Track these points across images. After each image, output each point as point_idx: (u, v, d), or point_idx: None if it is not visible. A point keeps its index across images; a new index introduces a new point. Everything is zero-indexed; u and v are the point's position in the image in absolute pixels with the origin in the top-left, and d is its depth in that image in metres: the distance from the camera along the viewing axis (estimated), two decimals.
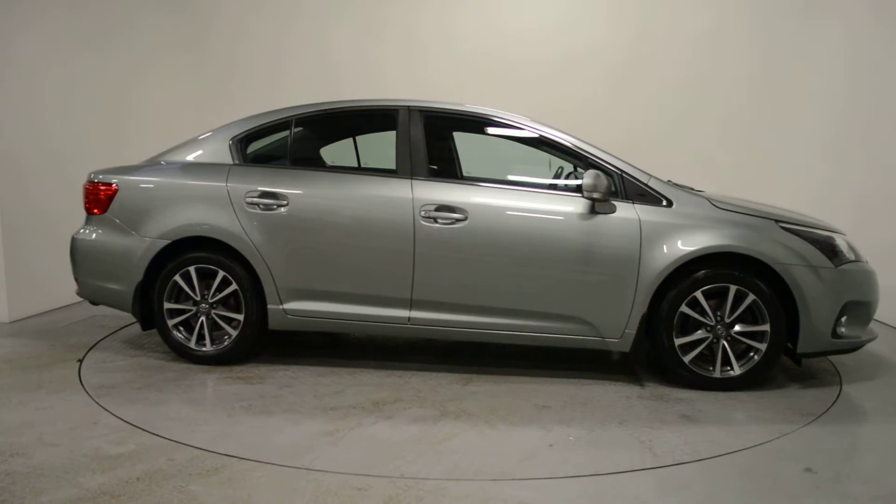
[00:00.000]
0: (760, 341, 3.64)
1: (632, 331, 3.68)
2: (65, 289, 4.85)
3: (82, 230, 4.06)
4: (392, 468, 2.70)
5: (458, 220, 3.70)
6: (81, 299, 4.42)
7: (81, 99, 5.69)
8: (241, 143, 4.02)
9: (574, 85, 6.71)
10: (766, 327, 3.62)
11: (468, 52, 6.78)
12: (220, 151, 4.01)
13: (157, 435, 2.96)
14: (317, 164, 4.05)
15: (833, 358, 4.31)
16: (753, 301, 3.60)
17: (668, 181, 4.10)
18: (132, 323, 4.73)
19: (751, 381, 3.69)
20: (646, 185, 3.74)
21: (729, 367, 3.68)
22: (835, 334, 3.69)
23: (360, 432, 3.05)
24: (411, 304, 3.80)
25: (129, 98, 6.27)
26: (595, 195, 3.60)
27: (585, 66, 6.73)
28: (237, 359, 3.96)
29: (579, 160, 3.85)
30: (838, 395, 3.70)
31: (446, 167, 4.03)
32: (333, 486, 2.53)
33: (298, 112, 4.05)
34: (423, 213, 3.71)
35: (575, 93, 6.68)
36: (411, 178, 3.81)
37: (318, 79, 6.76)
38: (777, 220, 3.70)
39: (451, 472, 2.67)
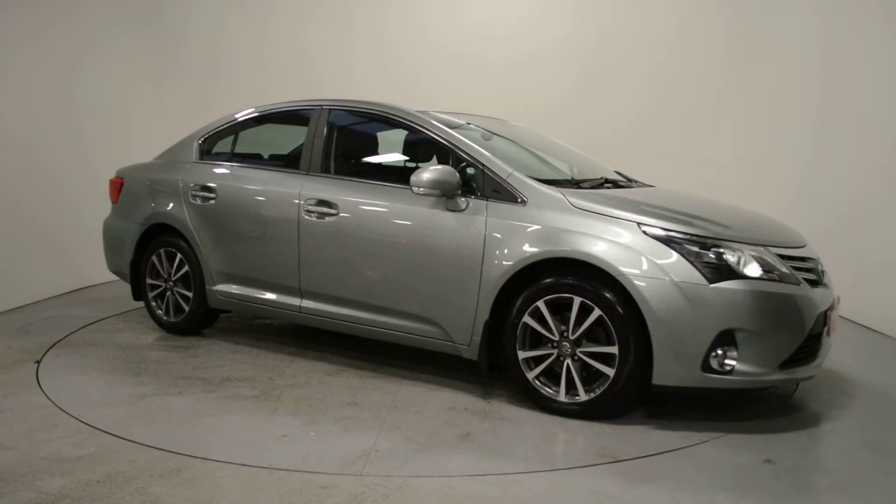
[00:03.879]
0: (610, 365, 3.10)
1: (479, 338, 3.41)
2: (19, 289, 5.19)
3: (108, 216, 5.03)
4: (129, 431, 2.98)
5: (329, 215, 3.81)
6: (39, 298, 5.33)
7: (65, 108, 5.95)
8: (204, 142, 4.61)
9: (543, 81, 6.77)
10: (614, 349, 3.06)
11: (438, 50, 6.99)
12: (191, 150, 4.64)
13: (117, 436, 2.93)
14: (253, 160, 4.44)
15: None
16: (600, 317, 3.08)
17: (621, 175, 4.02)
18: (89, 323, 4.82)
19: (602, 410, 3.15)
20: (503, 180, 3.41)
21: (577, 392, 3.19)
22: (708, 368, 2.97)
23: (162, 400, 3.37)
24: (301, 294, 4.00)
25: (113, 102, 6.50)
26: (430, 191, 3.41)
27: (554, 63, 6.80)
28: (190, 330, 4.54)
29: (448, 154, 3.65)
30: (695, 443, 2.98)
31: (341, 162, 4.09)
32: (298, 485, 2.52)
33: (246, 114, 4.49)
34: (305, 206, 3.89)
35: (545, 89, 6.75)
36: (306, 174, 4.00)
37: (294, 77, 7.11)
38: (640, 223, 3.10)
39: (160, 441, 2.88)
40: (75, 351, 4.19)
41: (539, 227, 3.24)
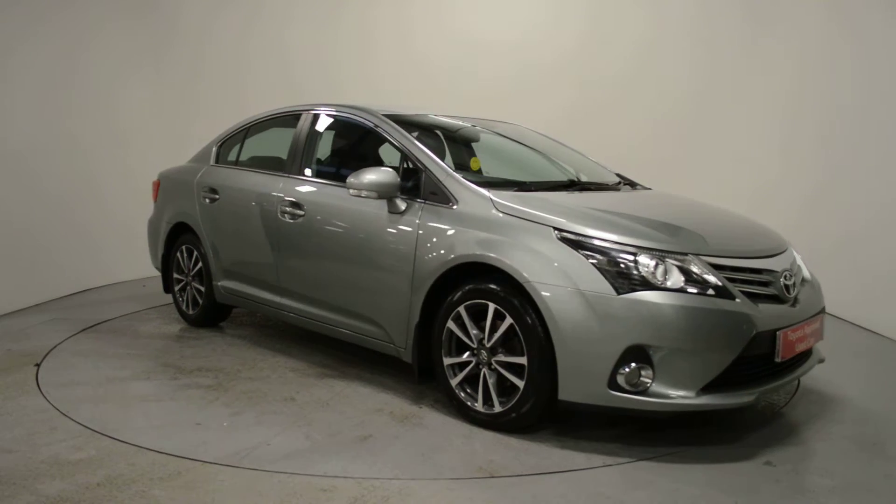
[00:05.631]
0: (522, 376, 2.94)
1: (413, 341, 3.37)
2: (19, 292, 5.23)
3: (151, 215, 5.49)
4: (73, 409, 3.26)
5: (299, 216, 3.92)
6: (45, 301, 5.51)
7: (52, 103, 5.79)
8: (221, 146, 4.90)
9: (539, 89, 6.94)
10: (523, 360, 2.91)
11: (423, 52, 7.12)
12: (210, 154, 4.95)
13: (117, 439, 2.93)
14: (253, 164, 4.64)
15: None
16: (511, 326, 2.94)
17: (622, 178, 4.10)
18: (89, 326, 4.81)
19: (514, 423, 3.01)
20: (440, 181, 3.35)
21: (492, 402, 3.06)
22: (615, 385, 2.74)
23: (125, 385, 3.63)
24: (281, 291, 4.15)
25: (97, 100, 6.28)
26: (367, 193, 3.41)
27: (553, 70, 6.97)
28: (206, 323, 4.84)
29: (399, 155, 3.63)
30: (584, 466, 2.75)
31: (314, 165, 4.16)
32: (298, 488, 2.53)
33: (253, 119, 4.73)
34: (281, 207, 4.04)
35: (528, 88, 6.93)
36: (287, 176, 4.15)
37: (279, 78, 7.11)
38: (556, 227, 2.91)
39: (89, 419, 3.14)
40: (96, 337, 4.56)
41: (461, 230, 3.16)
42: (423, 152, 3.50)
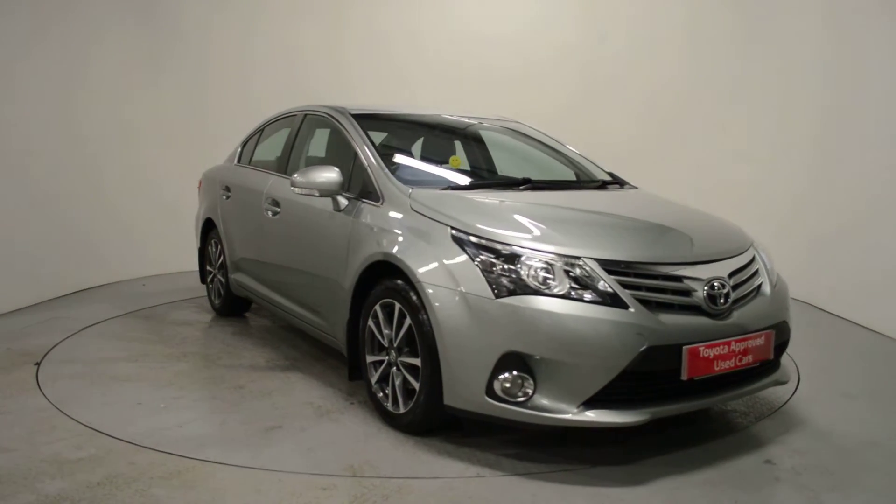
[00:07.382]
0: (417, 378, 2.88)
1: (345, 337, 3.40)
2: (19, 291, 5.27)
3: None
4: (45, 383, 3.61)
5: (277, 212, 4.07)
6: (41, 301, 5.49)
7: (57, 106, 5.77)
8: (244, 146, 5.18)
9: (542, 84, 7.12)
10: (417, 361, 2.85)
11: (431, 48, 7.18)
12: (235, 154, 5.25)
13: (118, 438, 2.94)
14: (261, 163, 4.84)
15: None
16: (410, 326, 2.89)
17: (610, 174, 4.04)
18: (89, 325, 4.81)
19: (412, 425, 2.97)
20: (373, 179, 3.36)
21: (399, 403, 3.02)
22: (493, 393, 2.61)
23: (110, 365, 3.93)
24: (267, 283, 4.33)
25: (102, 103, 6.24)
26: (308, 191, 3.46)
27: (554, 68, 7.14)
28: (229, 313, 5.12)
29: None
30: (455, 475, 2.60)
31: (295, 164, 4.25)
32: (298, 486, 2.55)
33: (267, 120, 4.95)
34: (266, 204, 4.21)
35: (543, 92, 7.07)
36: (274, 174, 4.32)
37: (285, 77, 7.02)
38: (452, 227, 2.83)
39: (50, 392, 3.47)
40: (124, 323, 4.94)
41: (382, 228, 3.16)
42: (366, 150, 3.52)
